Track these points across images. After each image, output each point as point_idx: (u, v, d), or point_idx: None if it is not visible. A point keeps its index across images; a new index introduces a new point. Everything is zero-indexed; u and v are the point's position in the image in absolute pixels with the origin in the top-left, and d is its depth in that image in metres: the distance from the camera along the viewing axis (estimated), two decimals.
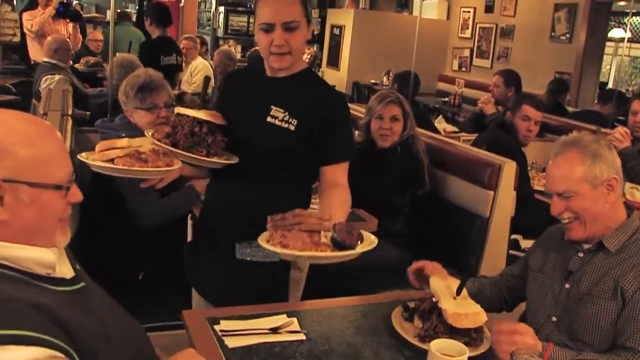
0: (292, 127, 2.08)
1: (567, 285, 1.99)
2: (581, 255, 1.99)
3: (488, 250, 3.10)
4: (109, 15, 11.97)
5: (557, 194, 1.94)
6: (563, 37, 8.03)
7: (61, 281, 1.28)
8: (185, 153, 2.00)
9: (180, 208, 2.90)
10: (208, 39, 10.40)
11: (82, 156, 1.93)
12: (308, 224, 1.77)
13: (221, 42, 11.60)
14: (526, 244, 3.72)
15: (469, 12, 9.84)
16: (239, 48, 11.49)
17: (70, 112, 3.60)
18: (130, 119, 2.99)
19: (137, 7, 10.18)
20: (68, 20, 7.91)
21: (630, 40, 11.60)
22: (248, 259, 2.12)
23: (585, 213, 1.90)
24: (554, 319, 2.00)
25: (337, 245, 1.71)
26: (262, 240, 1.77)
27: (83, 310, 1.25)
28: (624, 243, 1.91)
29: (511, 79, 5.39)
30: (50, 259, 1.25)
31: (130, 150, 1.95)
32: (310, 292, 2.35)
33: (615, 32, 10.85)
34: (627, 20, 9.29)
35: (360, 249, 1.75)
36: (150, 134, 2.07)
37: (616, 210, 1.95)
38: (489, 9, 9.39)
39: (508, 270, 2.33)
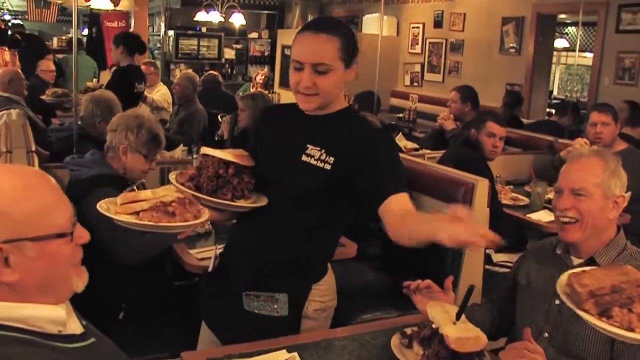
0: (327, 167, 1.97)
1: (557, 302, 2.03)
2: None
3: (465, 268, 3.14)
4: (55, 42, 11.88)
5: (571, 190, 2.04)
6: (512, 50, 8.25)
7: (72, 338, 1.25)
8: (209, 198, 1.93)
9: (155, 245, 2.81)
10: (158, 63, 10.32)
11: (103, 207, 1.82)
12: None
13: (172, 66, 11.52)
14: (498, 257, 3.80)
15: (418, 27, 10.02)
16: (190, 72, 11.42)
17: (34, 149, 3.52)
18: (120, 157, 2.91)
19: (88, 35, 9.99)
20: (6, 48, 7.74)
21: (567, 50, 12.03)
22: (256, 311, 2.07)
23: (589, 216, 2.00)
24: (546, 334, 2.04)
25: None
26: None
27: None
28: (614, 259, 2.00)
29: (467, 94, 5.51)
30: (61, 316, 1.22)
31: (155, 202, 1.85)
32: None
33: (558, 42, 11.22)
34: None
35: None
36: (173, 177, 2.00)
37: (611, 226, 2.06)
38: (437, 24, 9.59)
39: (497, 295, 2.37)
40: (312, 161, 1.99)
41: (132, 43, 5.68)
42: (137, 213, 1.83)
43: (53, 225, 1.21)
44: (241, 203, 1.99)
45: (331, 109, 2.03)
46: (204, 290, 2.29)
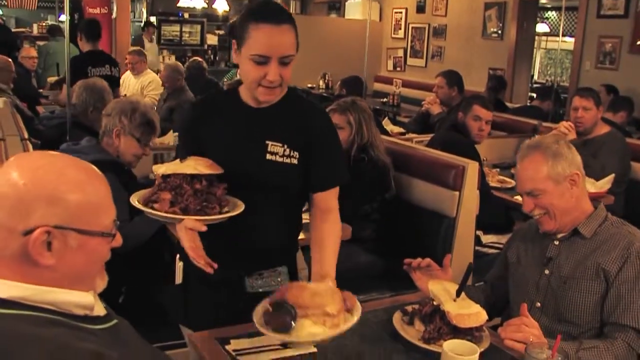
0: (294, 161, 1.99)
1: (547, 272, 2.15)
2: (557, 242, 2.16)
3: (456, 249, 3.22)
4: (35, 29, 11.75)
5: (526, 193, 2.12)
6: (494, 35, 8.34)
7: (98, 319, 1.29)
8: (202, 218, 1.85)
9: (145, 231, 2.82)
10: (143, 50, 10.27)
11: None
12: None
13: None
14: (487, 239, 3.88)
15: (401, 12, 10.07)
16: (172, 58, 11.37)
17: (27, 136, 3.53)
18: (113, 141, 2.94)
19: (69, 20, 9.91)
20: None
21: (548, 34, 12.14)
22: (260, 290, 2.07)
23: (553, 208, 2.09)
24: (538, 304, 2.14)
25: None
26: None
27: (124, 347, 1.27)
28: (597, 229, 2.10)
29: (453, 79, 5.56)
30: (90, 301, 1.27)
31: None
32: None
33: (538, 27, 11.32)
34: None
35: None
36: (147, 207, 1.89)
37: (582, 203, 2.14)
38: (420, 9, 9.65)
39: (490, 276, 2.47)
40: (277, 158, 1.98)
41: (90, 30, 5.80)
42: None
43: (100, 223, 1.26)
44: (228, 212, 1.93)
45: (280, 96, 2.01)
46: (177, 299, 2.25)
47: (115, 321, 1.35)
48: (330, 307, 1.63)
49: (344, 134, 3.35)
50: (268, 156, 1.98)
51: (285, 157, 1.99)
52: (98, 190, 1.27)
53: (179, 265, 2.18)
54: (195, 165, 1.90)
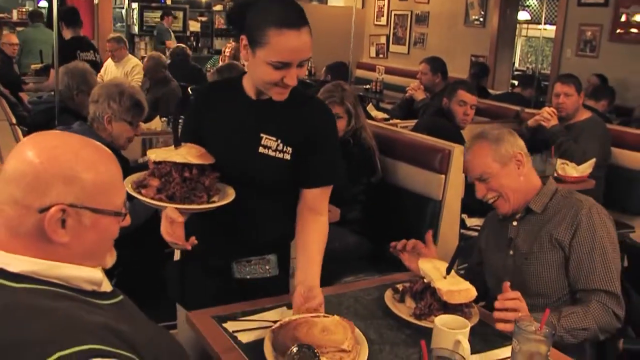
0: (287, 156, 1.98)
1: (510, 252, 2.27)
2: (515, 223, 2.29)
3: (442, 231, 3.28)
4: (15, 15, 11.60)
5: (477, 179, 2.26)
6: (477, 22, 8.41)
7: (105, 295, 1.33)
8: (187, 207, 1.87)
9: (144, 213, 2.86)
10: (123, 36, 10.21)
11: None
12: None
13: (137, 39, 11.40)
14: (471, 222, 3.95)
15: (384, 0, 10.10)
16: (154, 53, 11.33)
17: (14, 121, 3.54)
18: (105, 127, 2.97)
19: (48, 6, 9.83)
20: None
21: (529, 22, 12.24)
22: (248, 277, 2.09)
23: (504, 189, 2.23)
24: (508, 283, 2.21)
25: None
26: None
27: (131, 322, 1.30)
28: (547, 204, 2.23)
29: (437, 66, 5.62)
30: (99, 277, 1.30)
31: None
32: None
33: (519, 15, 11.40)
34: None
35: None
36: (135, 191, 1.89)
37: (530, 180, 2.28)
38: None
39: (471, 262, 2.59)
40: (270, 152, 1.97)
41: (70, 17, 5.99)
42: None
43: (112, 203, 1.29)
44: (216, 202, 1.94)
45: None
46: (174, 276, 2.26)
47: (121, 297, 1.39)
48: (346, 344, 1.62)
49: (342, 122, 3.39)
50: (261, 149, 1.97)
51: (277, 152, 1.98)
52: (111, 170, 1.30)
53: None
54: (186, 154, 1.90)
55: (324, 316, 1.75)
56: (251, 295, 2.06)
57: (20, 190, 1.19)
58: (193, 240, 1.88)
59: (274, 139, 1.97)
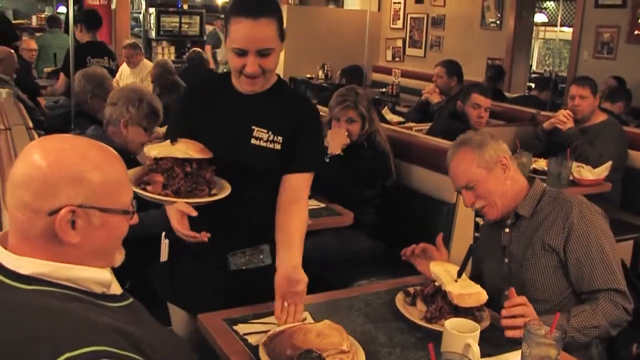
0: (278, 146, 2.07)
1: (506, 260, 2.25)
2: (507, 230, 2.25)
3: (456, 234, 3.27)
4: (34, 21, 11.74)
5: (464, 188, 2.20)
6: (493, 25, 8.37)
7: (114, 297, 1.34)
8: (192, 200, 1.92)
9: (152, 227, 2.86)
10: (140, 41, 10.30)
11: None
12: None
13: (154, 43, 11.47)
14: None
15: (400, 3, 10.09)
16: (172, 49, 11.41)
17: (31, 125, 3.57)
18: (120, 130, 2.97)
19: (67, 11, 9.93)
20: None
21: (546, 24, 12.18)
22: (243, 267, 2.16)
23: (491, 195, 2.17)
24: (506, 292, 2.19)
25: None
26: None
27: (141, 325, 1.31)
28: (536, 207, 2.19)
29: (453, 69, 5.61)
30: (107, 278, 1.32)
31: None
32: None
33: (537, 17, 11.35)
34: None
35: None
36: (139, 187, 1.92)
37: (517, 182, 2.23)
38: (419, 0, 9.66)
39: (473, 271, 2.53)
40: (262, 143, 2.06)
41: (89, 20, 5.87)
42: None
43: (120, 202, 1.31)
44: (217, 195, 1.99)
45: (265, 85, 2.08)
46: (165, 276, 2.28)
47: (131, 300, 1.40)
48: (344, 345, 1.67)
49: (356, 126, 3.41)
50: (253, 141, 2.06)
51: (269, 143, 2.07)
52: (117, 170, 1.32)
53: (165, 242, 2.22)
54: (186, 150, 1.95)
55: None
56: (245, 286, 2.13)
57: (30, 195, 1.21)
58: (206, 233, 1.93)
59: (265, 130, 2.06)
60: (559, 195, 2.20)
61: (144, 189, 1.93)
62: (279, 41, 1.98)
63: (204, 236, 1.92)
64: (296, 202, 2.08)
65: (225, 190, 2.01)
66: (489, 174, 2.15)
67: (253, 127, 2.06)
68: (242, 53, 1.94)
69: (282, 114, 2.09)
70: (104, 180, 1.27)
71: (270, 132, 2.07)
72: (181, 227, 1.93)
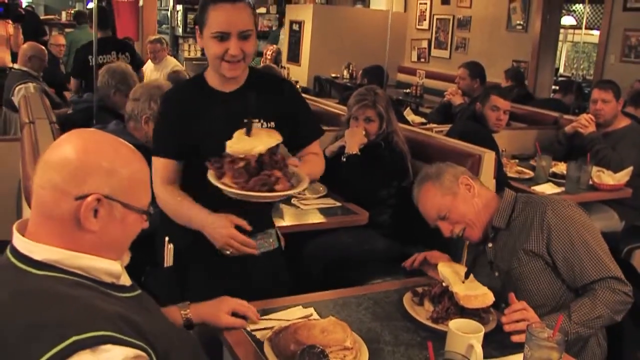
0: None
1: (496, 274, 2.23)
2: (490, 245, 2.25)
3: None
4: (64, 16, 11.91)
5: (438, 220, 2.22)
6: (519, 27, 8.31)
7: (123, 288, 1.38)
8: (283, 193, 1.95)
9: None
10: (167, 38, 10.40)
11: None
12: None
13: (180, 40, 11.58)
14: None
15: (426, 4, 10.06)
16: (198, 46, 11.46)
17: (54, 120, 3.63)
18: (142, 126, 2.99)
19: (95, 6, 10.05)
20: (9, 21, 7.79)
21: (574, 27, 12.05)
22: (256, 252, 2.14)
23: (465, 216, 2.19)
24: (503, 305, 2.18)
25: None
26: None
27: (147, 316, 1.35)
28: (511, 216, 2.20)
29: (476, 70, 5.59)
30: (118, 270, 1.36)
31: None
32: (304, 284, 2.43)
33: (564, 20, 11.23)
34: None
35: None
36: (218, 182, 1.93)
37: (486, 196, 2.24)
38: (445, 1, 9.62)
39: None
40: None
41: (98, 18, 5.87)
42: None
43: (141, 201, 1.37)
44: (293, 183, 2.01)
45: (244, 74, 2.17)
46: (171, 280, 2.28)
47: (139, 291, 1.44)
48: (348, 342, 1.68)
49: (374, 125, 3.43)
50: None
51: None
52: (144, 170, 1.39)
53: (169, 247, 2.24)
54: (260, 143, 1.94)
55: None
56: (257, 277, 2.25)
57: (61, 177, 1.26)
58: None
59: (256, 120, 2.14)
60: (529, 199, 2.21)
61: (234, 186, 1.91)
62: (254, 26, 2.08)
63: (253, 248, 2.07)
64: (316, 155, 2.32)
65: (303, 182, 2.02)
66: (455, 198, 2.18)
67: (244, 120, 2.06)
68: (224, 37, 2.02)
69: (266, 101, 2.18)
70: (132, 177, 1.33)
71: (262, 121, 2.16)
72: (239, 236, 2.02)
